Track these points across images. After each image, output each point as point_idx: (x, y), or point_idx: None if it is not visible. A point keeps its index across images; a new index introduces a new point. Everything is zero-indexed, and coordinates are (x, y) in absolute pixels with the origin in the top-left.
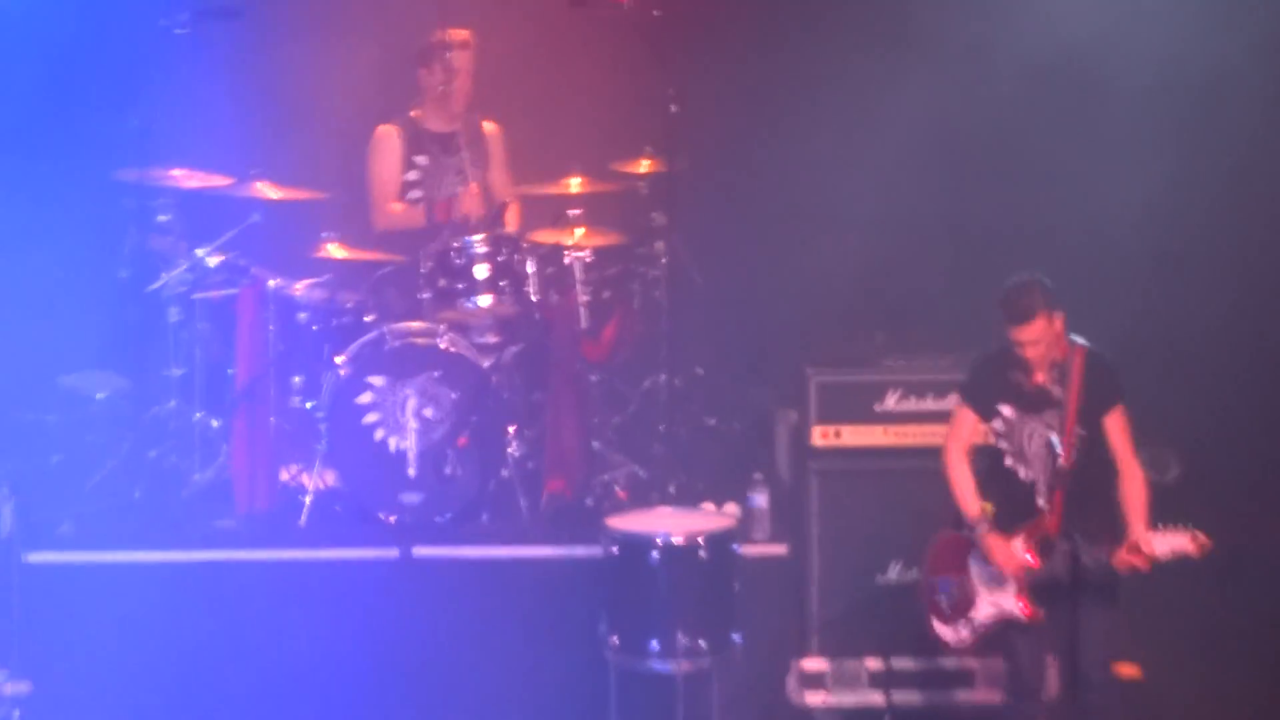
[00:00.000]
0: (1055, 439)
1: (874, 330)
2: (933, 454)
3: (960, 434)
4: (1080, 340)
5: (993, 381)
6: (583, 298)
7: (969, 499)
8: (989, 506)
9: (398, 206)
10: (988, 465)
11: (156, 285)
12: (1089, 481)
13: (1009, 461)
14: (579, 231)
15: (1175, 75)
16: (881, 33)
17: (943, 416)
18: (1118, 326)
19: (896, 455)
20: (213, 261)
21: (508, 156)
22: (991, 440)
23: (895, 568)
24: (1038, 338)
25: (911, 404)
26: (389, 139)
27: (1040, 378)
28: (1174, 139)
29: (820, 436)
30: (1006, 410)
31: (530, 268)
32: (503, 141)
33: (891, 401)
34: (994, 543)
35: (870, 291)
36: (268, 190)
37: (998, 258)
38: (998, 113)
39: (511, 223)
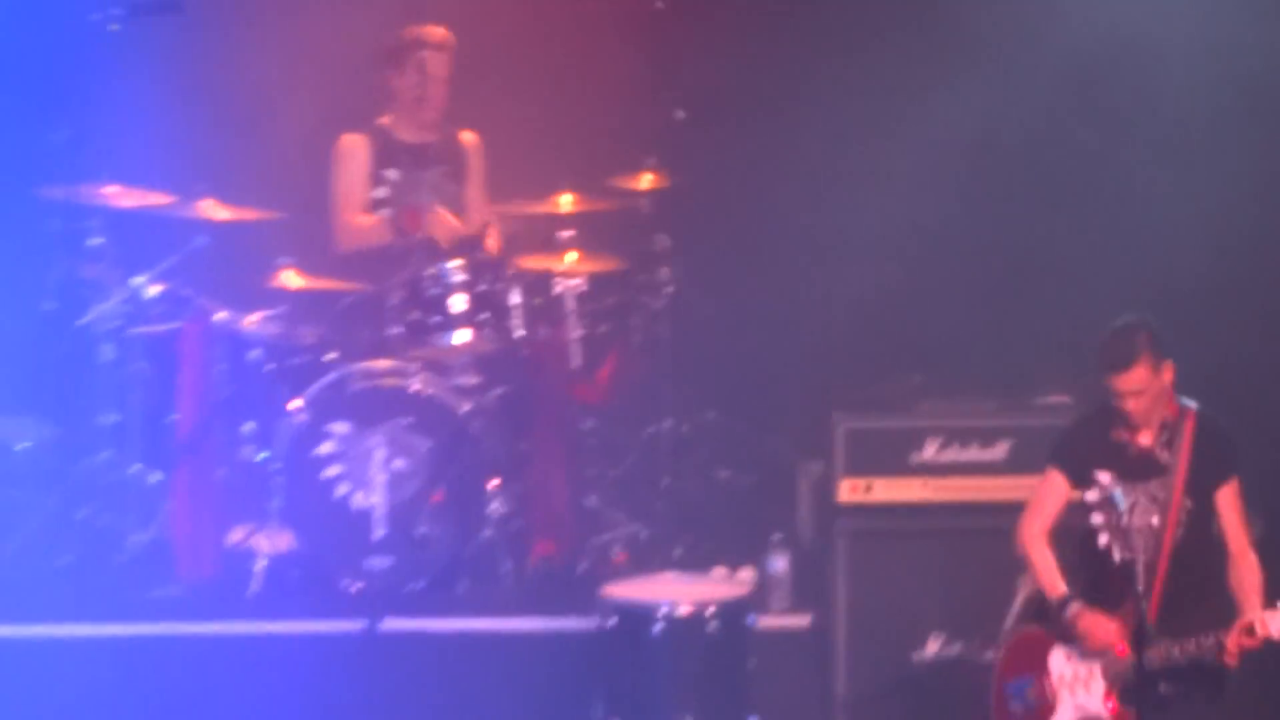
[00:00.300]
0: (1158, 512)
1: (909, 370)
2: (976, 512)
3: (1044, 505)
4: (1191, 403)
5: (1090, 442)
6: (575, 332)
7: (1053, 578)
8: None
9: (364, 219)
10: (1077, 541)
11: (87, 319)
12: (1195, 563)
13: (1103, 539)
14: (571, 256)
15: (1236, 71)
16: (912, 30)
17: (988, 468)
18: (1186, 362)
19: (936, 512)
20: (151, 292)
21: (489, 171)
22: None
23: (934, 642)
24: (1140, 387)
25: (953, 453)
26: (355, 149)
27: (1146, 439)
28: (1242, 142)
29: (848, 491)
30: (1104, 477)
31: (515, 298)
32: (483, 154)
33: (930, 451)
34: (1091, 620)
35: (904, 325)
36: (214, 210)
37: (1049, 285)
38: (1041, 121)
39: (493, 247)
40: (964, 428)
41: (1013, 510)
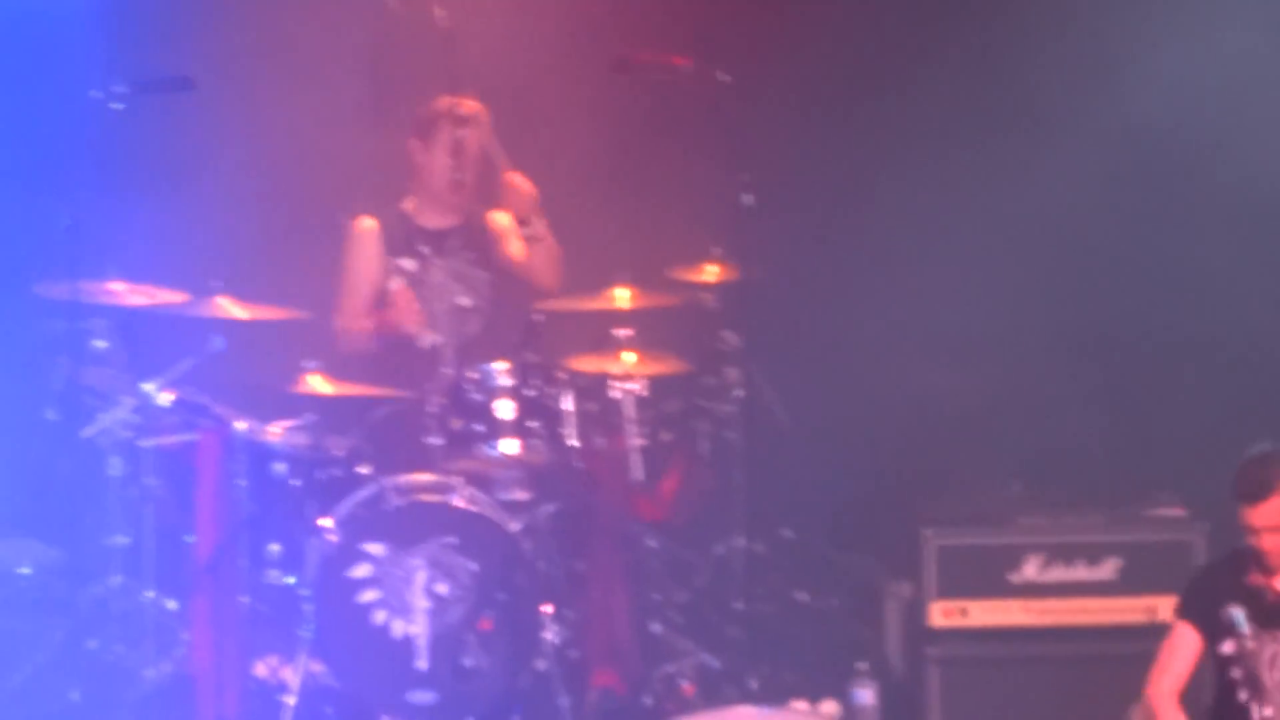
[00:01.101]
0: None
1: (1006, 479)
2: (1082, 637)
3: (1173, 662)
4: None
5: (1222, 588)
6: (635, 441)
7: None
8: None
9: (361, 324)
10: (1213, 701)
11: (92, 430)
12: None
13: (1242, 696)
14: (629, 357)
15: None
16: (996, 108)
17: (1095, 588)
18: None
19: (1037, 638)
20: (163, 399)
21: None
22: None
23: None
24: (1278, 523)
25: (1057, 573)
26: (365, 238)
27: None
28: None
29: (941, 615)
30: (1238, 620)
31: (568, 404)
32: (519, 236)
33: (1031, 570)
34: None
35: (1000, 429)
36: (232, 308)
37: (1162, 384)
38: (1140, 200)
39: (542, 347)
40: (1068, 544)
41: (1122, 635)
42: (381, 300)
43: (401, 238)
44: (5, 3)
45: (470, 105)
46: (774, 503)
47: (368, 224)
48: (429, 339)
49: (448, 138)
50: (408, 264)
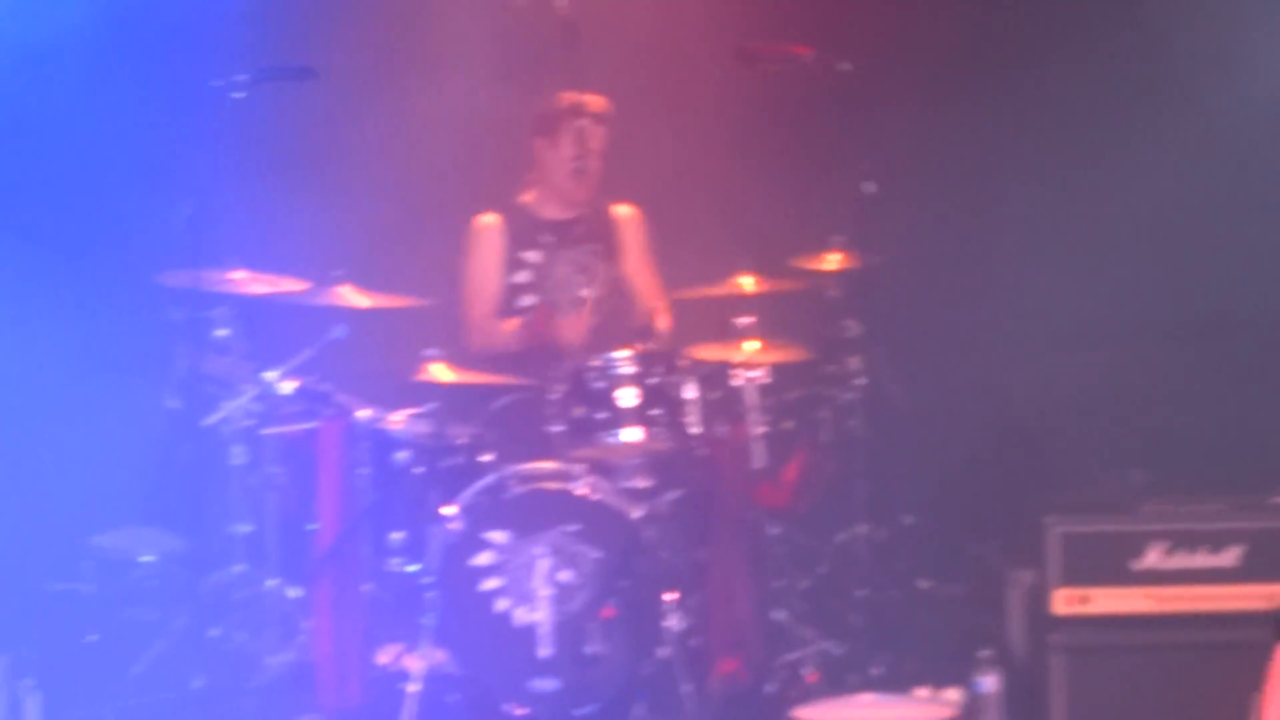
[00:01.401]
0: None
1: (1129, 467)
2: (1206, 624)
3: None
4: None
5: None
6: (757, 429)
7: None
8: None
9: (496, 323)
10: None
11: (215, 418)
12: None
13: None
14: (751, 345)
15: None
16: (1125, 92)
17: (1219, 575)
18: None
19: (1160, 625)
20: (285, 388)
21: (653, 249)
22: None
23: None
24: None
25: (1180, 560)
26: (488, 233)
27: None
28: None
29: (1064, 602)
30: None
31: (690, 392)
32: (643, 229)
33: (1154, 557)
34: None
35: (1124, 416)
36: (354, 297)
37: None
38: (1263, 185)
39: (663, 336)
40: (1192, 531)
41: (1244, 622)
42: (511, 299)
43: (524, 230)
44: None
45: (593, 100)
46: (896, 490)
47: (489, 219)
48: (573, 347)
49: (571, 130)
50: (532, 256)
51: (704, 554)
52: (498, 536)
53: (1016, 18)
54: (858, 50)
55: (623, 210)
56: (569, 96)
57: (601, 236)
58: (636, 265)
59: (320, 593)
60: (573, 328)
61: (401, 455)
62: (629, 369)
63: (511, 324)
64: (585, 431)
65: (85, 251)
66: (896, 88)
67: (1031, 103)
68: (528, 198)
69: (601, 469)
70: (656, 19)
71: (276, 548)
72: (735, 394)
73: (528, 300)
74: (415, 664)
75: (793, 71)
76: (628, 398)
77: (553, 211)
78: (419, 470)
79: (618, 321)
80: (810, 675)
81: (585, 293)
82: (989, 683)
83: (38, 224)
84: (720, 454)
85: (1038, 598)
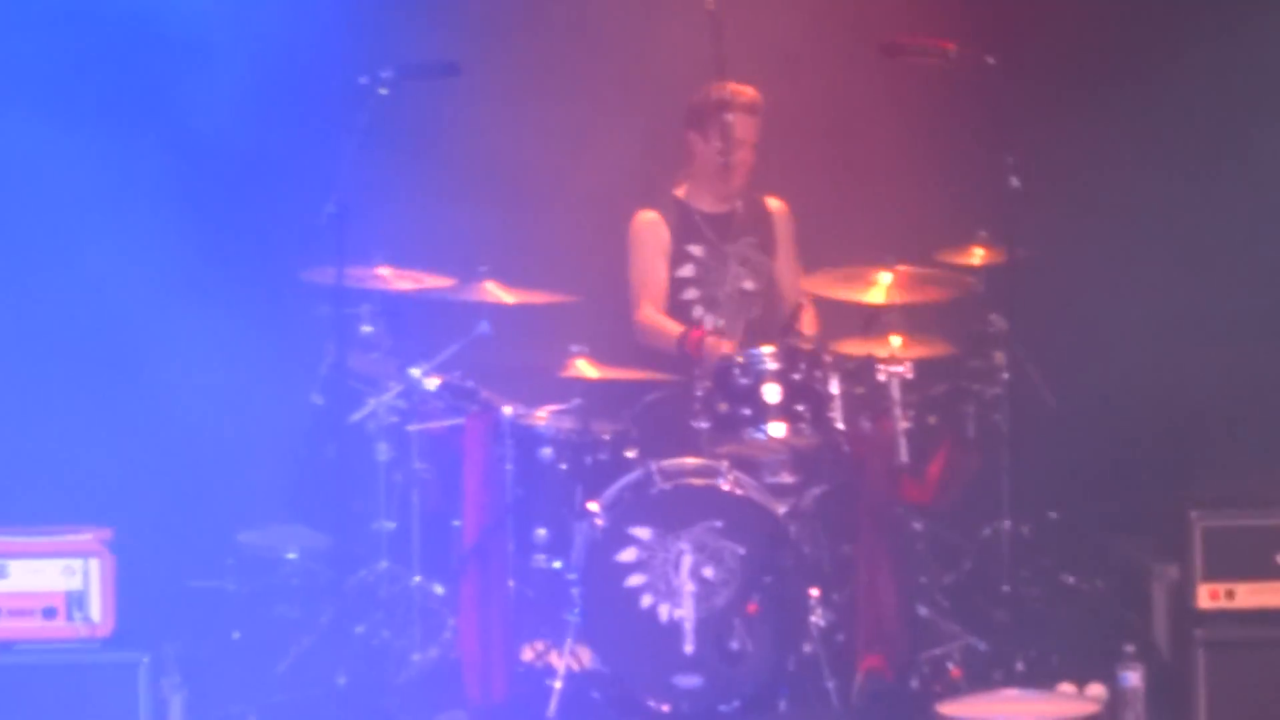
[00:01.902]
0: None
1: (1273, 461)
2: None
3: None
4: None
5: None
6: (902, 424)
7: None
8: None
9: (662, 322)
10: None
11: (360, 415)
12: None
13: None
14: (895, 341)
15: None
16: (1266, 84)
17: None
18: None
19: None
20: (431, 384)
21: (803, 244)
22: None
23: None
24: None
25: None
26: (652, 228)
27: None
28: None
29: (1208, 597)
30: None
31: (834, 388)
32: (791, 223)
33: None
34: None
35: (1267, 410)
36: (500, 293)
37: None
38: None
39: (808, 331)
40: None
41: None
42: (675, 293)
43: (685, 225)
44: None
45: (745, 92)
46: (1040, 485)
47: (649, 215)
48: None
49: (723, 123)
50: (696, 250)
51: (848, 550)
52: (642, 532)
53: (1162, 12)
54: (1004, 45)
55: (775, 204)
56: (720, 88)
57: (757, 229)
58: (786, 259)
59: (465, 589)
60: (728, 344)
61: (546, 451)
62: (774, 364)
63: (675, 326)
64: (730, 427)
65: (232, 249)
66: (1041, 82)
67: (1176, 98)
68: (681, 191)
69: (746, 465)
70: (803, 13)
71: (421, 544)
72: (880, 389)
73: (691, 294)
74: (559, 660)
75: (938, 65)
76: (773, 393)
77: (708, 205)
78: (563, 466)
79: (766, 316)
80: (954, 670)
81: (747, 285)
82: (1133, 677)
83: (186, 222)
84: (864, 449)
85: (1181, 592)
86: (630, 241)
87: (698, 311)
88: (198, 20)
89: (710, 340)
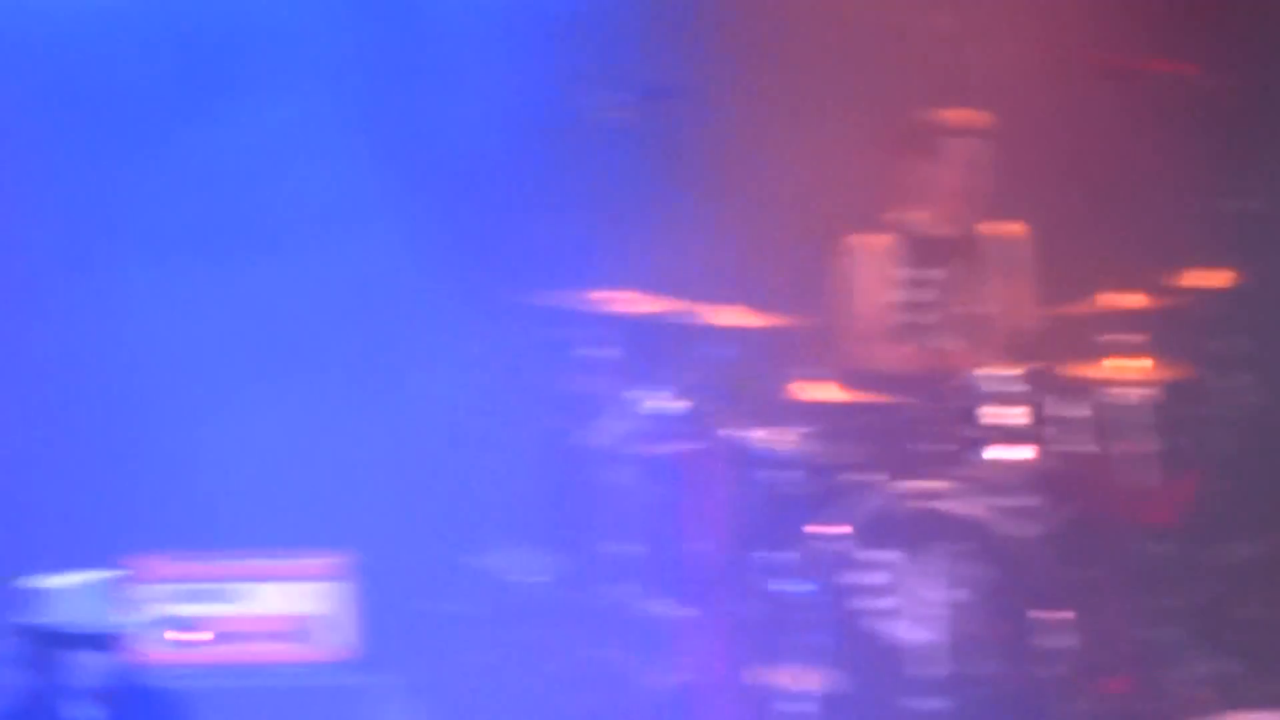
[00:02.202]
0: None
1: None
2: None
3: None
4: None
5: None
6: (1140, 447)
7: None
8: None
9: (883, 346)
10: None
11: (597, 438)
12: None
13: None
14: (1134, 363)
15: None
16: None
17: None
18: None
19: None
20: (669, 407)
21: (1033, 265)
22: None
23: None
24: None
25: None
26: (872, 251)
27: None
28: None
29: None
30: None
31: (1072, 410)
32: (1024, 245)
33: None
34: None
35: None
36: (737, 316)
37: None
38: None
39: (1045, 353)
40: None
41: None
42: (902, 318)
43: (911, 248)
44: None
45: (965, 115)
46: None
47: (869, 240)
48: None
49: (947, 147)
50: (920, 274)
51: (1089, 572)
52: (881, 556)
53: None
54: (1240, 66)
55: (1005, 227)
56: (947, 113)
57: (986, 254)
58: (1018, 282)
59: (704, 613)
60: (959, 358)
61: (784, 474)
62: (1012, 387)
63: (900, 349)
64: (968, 449)
65: (466, 271)
66: (1278, 103)
67: None
68: (910, 215)
69: (985, 487)
70: (1037, 34)
71: (660, 568)
72: (1117, 411)
73: (917, 319)
74: (800, 684)
75: (1174, 87)
76: (1011, 416)
77: (936, 229)
78: (802, 490)
79: (1001, 339)
80: (1200, 695)
81: (979, 308)
82: None
83: (419, 243)
84: (1103, 472)
85: None
86: (849, 265)
87: (930, 335)
88: (443, 44)
89: (947, 364)
